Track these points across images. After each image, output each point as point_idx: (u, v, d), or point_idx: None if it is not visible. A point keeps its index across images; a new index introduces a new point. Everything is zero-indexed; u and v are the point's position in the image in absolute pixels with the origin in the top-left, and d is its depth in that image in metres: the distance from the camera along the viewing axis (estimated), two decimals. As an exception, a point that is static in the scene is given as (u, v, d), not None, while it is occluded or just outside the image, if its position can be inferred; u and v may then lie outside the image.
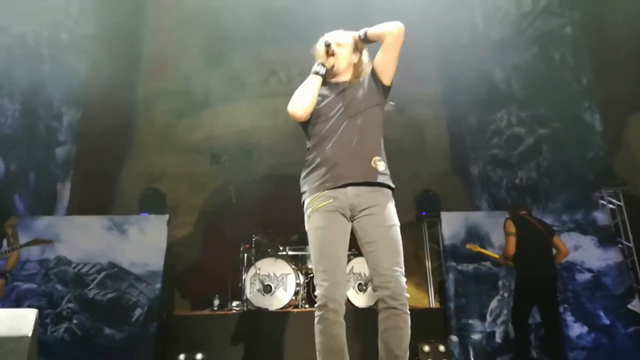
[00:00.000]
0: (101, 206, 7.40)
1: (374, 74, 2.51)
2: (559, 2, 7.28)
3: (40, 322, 4.55)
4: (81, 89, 7.26)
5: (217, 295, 6.18)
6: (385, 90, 2.52)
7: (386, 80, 2.49)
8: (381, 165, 2.38)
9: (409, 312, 2.24)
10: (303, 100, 2.40)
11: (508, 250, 4.74)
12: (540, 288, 4.64)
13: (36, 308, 2.52)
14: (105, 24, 7.56)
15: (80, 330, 5.33)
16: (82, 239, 5.74)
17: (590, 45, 6.99)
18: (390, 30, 2.40)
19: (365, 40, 2.53)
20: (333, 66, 2.52)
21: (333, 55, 2.49)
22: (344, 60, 2.53)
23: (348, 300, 5.69)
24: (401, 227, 2.39)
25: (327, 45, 2.47)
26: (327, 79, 2.57)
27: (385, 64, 2.47)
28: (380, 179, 2.36)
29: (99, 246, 5.72)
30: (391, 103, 2.57)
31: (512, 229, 4.76)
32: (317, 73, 2.47)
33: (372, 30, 2.48)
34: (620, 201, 6.21)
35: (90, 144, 7.35)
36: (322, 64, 2.48)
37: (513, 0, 7.71)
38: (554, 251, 4.82)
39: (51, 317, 5.35)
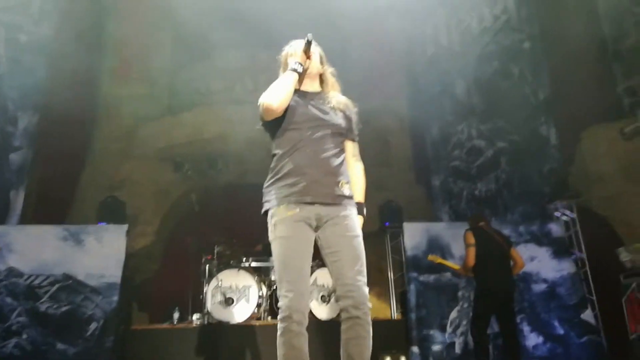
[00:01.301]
0: (57, 215, 7.15)
1: (351, 122, 2.53)
2: (519, 17, 7.53)
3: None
4: (39, 92, 7.02)
5: (177, 308, 6.04)
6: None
7: (349, 124, 2.54)
8: (347, 189, 2.39)
9: (371, 321, 2.24)
10: (279, 93, 2.33)
11: (468, 261, 4.81)
12: (499, 298, 4.73)
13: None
14: (66, 25, 7.35)
15: (31, 346, 5.10)
16: (36, 249, 5.51)
17: (547, 61, 7.26)
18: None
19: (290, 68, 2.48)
20: (306, 70, 2.49)
21: (309, 57, 2.47)
22: (315, 65, 2.52)
23: (311, 312, 5.66)
24: (364, 238, 2.40)
25: (309, 42, 2.43)
26: (297, 85, 2.51)
27: (347, 124, 2.51)
28: (346, 202, 2.37)
29: (53, 257, 5.50)
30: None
31: (471, 240, 4.83)
32: (295, 70, 2.42)
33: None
34: (573, 213, 6.42)
35: (47, 150, 7.10)
36: (300, 63, 2.45)
37: (475, 15, 7.95)
38: (511, 263, 4.94)
39: (-1, 331, 5.10)
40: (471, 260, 4.77)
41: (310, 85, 2.55)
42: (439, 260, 5.41)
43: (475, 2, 7.90)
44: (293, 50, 2.53)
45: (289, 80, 2.39)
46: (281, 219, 2.30)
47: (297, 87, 2.51)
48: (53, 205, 7.23)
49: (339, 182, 2.36)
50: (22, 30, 7.09)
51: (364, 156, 2.58)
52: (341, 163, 2.43)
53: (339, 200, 2.34)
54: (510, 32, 7.60)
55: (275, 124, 2.42)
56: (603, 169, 6.80)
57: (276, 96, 2.33)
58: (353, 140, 2.57)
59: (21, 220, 6.50)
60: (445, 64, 8.15)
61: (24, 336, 5.12)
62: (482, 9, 7.87)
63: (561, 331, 5.73)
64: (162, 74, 8.81)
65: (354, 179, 2.49)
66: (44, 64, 7.13)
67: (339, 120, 2.47)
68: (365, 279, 2.28)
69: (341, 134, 2.46)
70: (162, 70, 8.79)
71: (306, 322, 2.23)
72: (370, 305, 2.26)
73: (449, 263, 5.48)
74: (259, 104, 2.41)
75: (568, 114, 6.89)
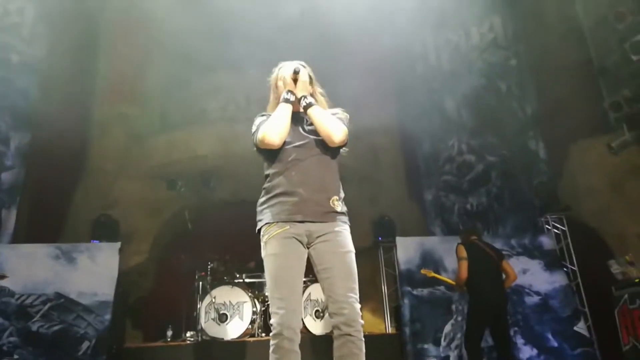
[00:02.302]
0: (50, 234, 7.09)
1: None
2: (505, 36, 7.72)
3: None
4: (31, 111, 7.03)
5: (170, 326, 6.00)
6: (344, 145, 2.57)
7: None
8: (339, 206, 2.42)
9: (363, 338, 2.26)
10: (278, 128, 2.41)
11: (460, 274, 4.85)
12: (492, 311, 4.76)
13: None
14: (58, 45, 7.39)
15: (22, 366, 5.03)
16: (27, 268, 5.47)
17: (534, 77, 7.41)
18: (332, 137, 2.42)
19: (303, 108, 2.51)
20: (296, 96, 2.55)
21: (296, 81, 2.53)
22: (304, 90, 2.56)
23: (305, 327, 5.65)
24: (358, 253, 2.43)
25: (296, 73, 2.51)
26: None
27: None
28: (337, 219, 2.40)
29: (45, 276, 5.46)
30: (345, 149, 2.59)
31: (463, 253, 4.88)
32: (288, 101, 2.50)
33: (317, 116, 2.46)
34: (564, 226, 6.50)
35: (39, 169, 7.08)
36: (291, 92, 2.52)
37: (462, 34, 8.13)
38: (504, 276, 4.98)
39: (-10, 352, 5.03)
40: (464, 274, 4.81)
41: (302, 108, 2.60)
42: (432, 274, 5.44)
43: (462, 21, 8.09)
44: (282, 74, 2.59)
45: (284, 114, 2.46)
46: (272, 236, 2.34)
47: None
48: (45, 224, 7.19)
49: (330, 198, 2.41)
50: (15, 51, 7.13)
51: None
52: (333, 179, 2.48)
53: (329, 217, 2.38)
54: (497, 50, 7.78)
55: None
56: (592, 183, 6.89)
57: (277, 133, 2.40)
58: None
59: (13, 239, 6.46)
60: (434, 81, 8.30)
61: (15, 357, 5.05)
62: (469, 27, 8.06)
63: (555, 343, 5.75)
64: (154, 93, 8.85)
65: None
66: (36, 84, 7.16)
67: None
68: (357, 296, 2.30)
69: (329, 148, 2.50)
70: (155, 89, 8.83)
71: (298, 339, 2.24)
72: (362, 322, 2.27)
73: (442, 277, 5.51)
74: (255, 134, 2.48)
75: (556, 129, 7.01)
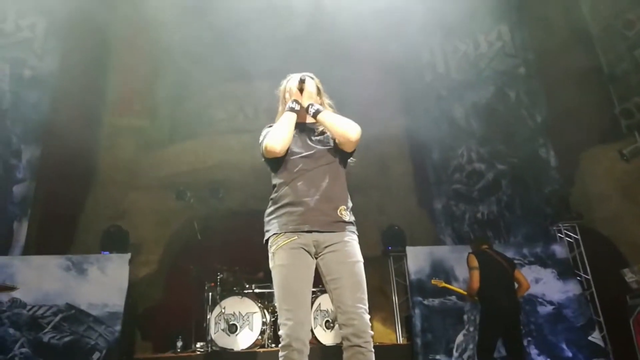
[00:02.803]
0: (60, 245, 7.14)
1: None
2: (513, 44, 7.71)
3: (-11, 370, 4.30)
4: (42, 125, 7.12)
5: (180, 337, 5.99)
6: (351, 154, 2.57)
7: (348, 152, 2.54)
8: (346, 215, 2.41)
9: (373, 349, 2.23)
10: (281, 135, 2.41)
11: (472, 284, 4.79)
12: (505, 321, 4.68)
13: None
14: (69, 59, 7.49)
15: (34, 377, 5.04)
16: (39, 280, 5.51)
17: (543, 85, 7.37)
18: (349, 135, 2.41)
19: (312, 116, 2.51)
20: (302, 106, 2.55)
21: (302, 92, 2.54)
22: (310, 100, 2.56)
23: (315, 338, 5.61)
24: (367, 262, 2.41)
25: (302, 82, 2.52)
26: (297, 119, 2.59)
27: (345, 152, 2.51)
28: (345, 229, 2.39)
29: (56, 287, 5.49)
30: (353, 159, 2.59)
31: (474, 263, 4.81)
32: (292, 110, 2.50)
33: (328, 119, 2.46)
34: (577, 234, 6.42)
35: (50, 182, 7.15)
36: (297, 101, 2.53)
37: (470, 42, 8.13)
38: (516, 285, 4.91)
39: (2, 364, 5.06)
40: (475, 284, 4.75)
41: (308, 118, 2.61)
42: (443, 284, 5.38)
43: (470, 29, 8.10)
44: (289, 85, 2.61)
45: (288, 122, 2.46)
46: (280, 246, 2.33)
47: (297, 121, 2.57)
48: (56, 235, 7.24)
49: (337, 208, 2.39)
50: (26, 66, 7.24)
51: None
52: (340, 189, 2.46)
53: (337, 227, 2.37)
54: (505, 58, 7.76)
55: (276, 158, 2.48)
56: (603, 190, 6.82)
57: (279, 140, 2.40)
58: None
59: (24, 251, 6.51)
60: (442, 89, 8.29)
61: (26, 368, 5.07)
62: (477, 35, 8.06)
63: (569, 353, 5.66)
64: (163, 104, 8.92)
65: None
66: (48, 97, 7.26)
67: (330, 148, 2.51)
68: (366, 307, 2.28)
69: (336, 158, 2.49)
70: (164, 100, 8.91)
71: (307, 350, 2.23)
72: (372, 333, 2.26)
73: (453, 287, 5.45)
74: (262, 144, 2.48)
75: (566, 136, 6.96)
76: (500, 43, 7.77)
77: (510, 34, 7.69)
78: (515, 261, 5.31)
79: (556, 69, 7.29)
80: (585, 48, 7.19)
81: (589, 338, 5.73)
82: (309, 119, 2.60)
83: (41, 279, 5.52)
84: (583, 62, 7.13)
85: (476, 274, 4.76)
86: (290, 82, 2.61)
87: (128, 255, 5.89)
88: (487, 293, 4.75)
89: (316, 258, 2.38)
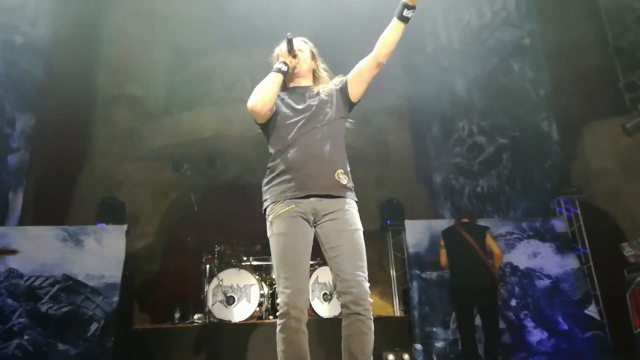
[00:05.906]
0: (56, 216, 7.11)
1: (344, 89, 2.49)
2: (518, 14, 7.48)
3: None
4: (36, 93, 6.97)
5: (177, 308, 6.01)
6: (352, 106, 2.52)
7: (355, 97, 2.50)
8: (344, 179, 2.35)
9: (372, 317, 2.22)
10: (262, 94, 2.34)
11: (441, 262, 5.12)
12: (473, 296, 4.80)
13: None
14: (63, 26, 7.28)
15: (32, 347, 5.06)
16: (35, 250, 5.46)
17: (547, 57, 7.21)
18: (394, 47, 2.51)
19: (409, 7, 2.50)
20: (294, 67, 2.48)
21: (295, 56, 2.46)
22: (304, 62, 2.52)
23: (313, 310, 5.64)
24: (366, 236, 2.38)
25: (290, 40, 2.43)
26: (288, 83, 2.54)
27: (362, 83, 2.48)
28: (343, 193, 2.34)
29: (53, 258, 5.45)
30: (350, 121, 2.54)
31: (441, 242, 5.11)
32: (279, 70, 2.41)
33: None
34: (576, 209, 6.39)
35: (45, 151, 7.06)
36: (285, 62, 2.44)
37: (474, 12, 7.90)
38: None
39: (1, 333, 5.06)
40: (442, 261, 5.10)
41: (302, 82, 2.56)
42: None
43: (474, -3, 7.86)
44: (279, 51, 2.56)
45: (271, 81, 2.39)
46: (278, 215, 2.30)
47: (289, 85, 2.53)
48: (52, 206, 7.20)
49: (334, 171, 2.34)
50: (18, 32, 7.04)
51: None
52: (337, 152, 2.40)
53: (335, 190, 2.32)
54: (509, 29, 7.55)
55: (269, 125, 2.44)
56: (605, 165, 6.76)
57: (259, 98, 2.34)
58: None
59: (20, 222, 6.48)
60: (444, 60, 8.11)
61: (25, 337, 5.08)
62: (481, 5, 7.82)
63: (565, 326, 5.69)
64: (159, 74, 8.76)
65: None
66: (41, 65, 7.09)
67: (327, 108, 2.44)
68: (365, 275, 2.26)
69: (333, 120, 2.43)
70: (160, 70, 8.74)
71: (305, 318, 2.21)
72: (371, 301, 2.24)
73: None
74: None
75: (569, 110, 6.86)
76: (505, 13, 7.54)
77: (515, 4, 7.46)
78: (514, 235, 5.32)
79: (561, 40, 7.11)
80: (592, 19, 7.00)
81: (586, 311, 5.76)
82: (297, 82, 2.54)
83: (38, 250, 5.47)
84: (589, 33, 6.96)
85: (443, 253, 5.08)
86: (282, 47, 2.54)
87: (125, 227, 5.84)
88: (453, 269, 5.00)
89: (315, 226, 2.35)
